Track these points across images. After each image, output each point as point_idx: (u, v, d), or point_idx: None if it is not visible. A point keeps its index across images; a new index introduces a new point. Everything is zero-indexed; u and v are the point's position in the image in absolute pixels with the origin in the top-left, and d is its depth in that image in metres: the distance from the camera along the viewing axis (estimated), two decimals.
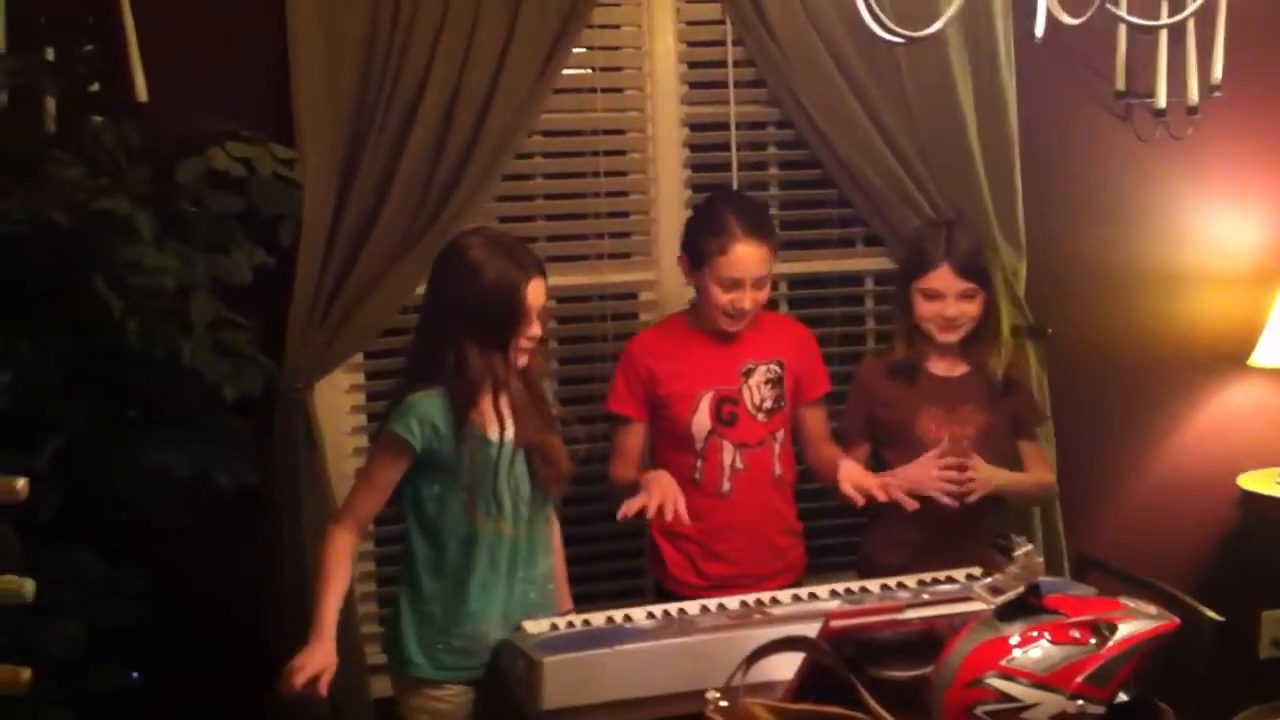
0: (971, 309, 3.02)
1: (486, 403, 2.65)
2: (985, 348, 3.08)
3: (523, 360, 2.68)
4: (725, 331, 2.99)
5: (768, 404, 3.02)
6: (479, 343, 2.60)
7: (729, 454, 3.00)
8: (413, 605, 2.69)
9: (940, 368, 3.09)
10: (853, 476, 2.87)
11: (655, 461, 3.08)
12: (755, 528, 3.02)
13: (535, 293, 2.64)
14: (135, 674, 2.86)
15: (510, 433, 2.66)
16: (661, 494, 2.76)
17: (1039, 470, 3.18)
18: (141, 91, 2.96)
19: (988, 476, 2.98)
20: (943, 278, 3.00)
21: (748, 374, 3.01)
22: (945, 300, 3.01)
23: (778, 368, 3.04)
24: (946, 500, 2.95)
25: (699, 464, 2.99)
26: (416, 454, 2.60)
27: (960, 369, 3.09)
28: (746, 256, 2.90)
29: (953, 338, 3.04)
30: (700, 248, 2.95)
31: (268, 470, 3.01)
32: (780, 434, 3.05)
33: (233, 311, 2.88)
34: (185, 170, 2.93)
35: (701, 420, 2.98)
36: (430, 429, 2.59)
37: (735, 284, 2.92)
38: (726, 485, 3.00)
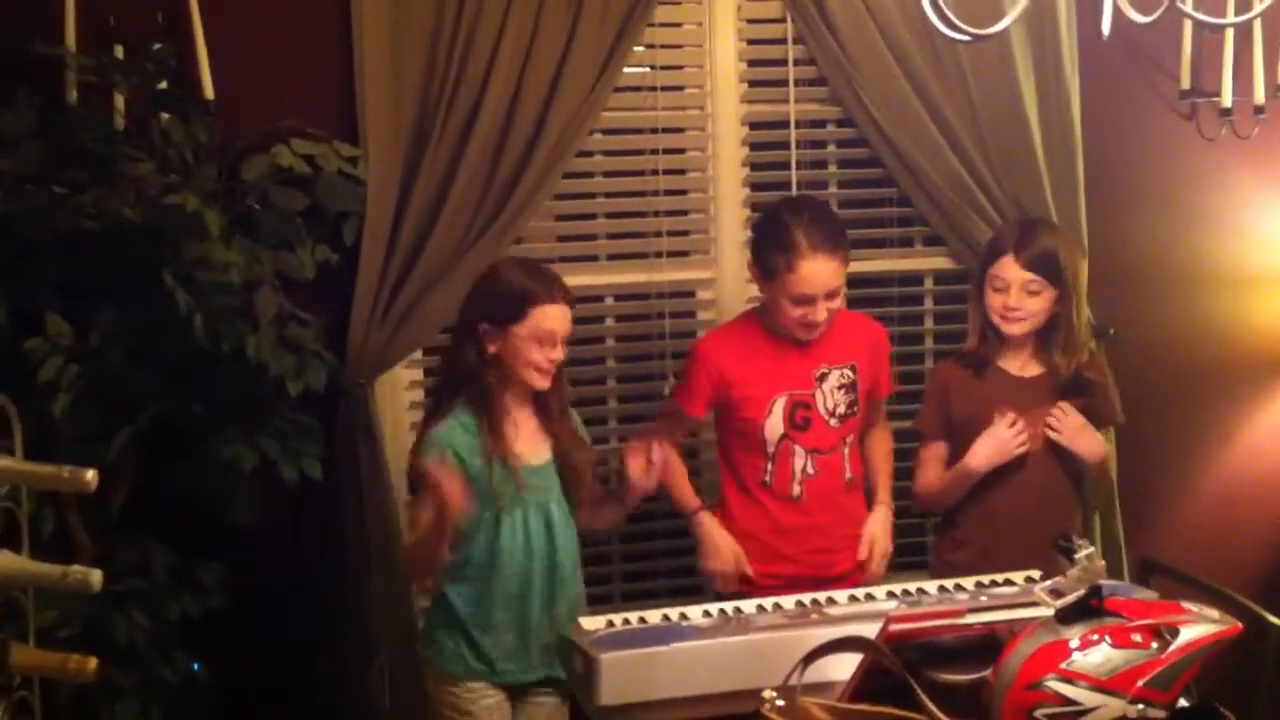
0: (1034, 304, 3.00)
1: (509, 424, 2.71)
2: (1057, 349, 3.06)
3: (544, 383, 2.71)
4: (797, 340, 2.97)
5: (841, 409, 3.00)
6: (498, 362, 2.68)
7: (800, 459, 2.98)
8: (443, 605, 2.78)
9: (1014, 366, 3.08)
10: (870, 539, 3.03)
11: (725, 462, 3.08)
12: (824, 531, 3.01)
13: (554, 316, 2.68)
14: (197, 665, 2.90)
15: (538, 454, 2.72)
16: (724, 568, 2.94)
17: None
18: (209, 89, 3.00)
19: (1077, 422, 3.01)
20: (1007, 267, 2.99)
21: (821, 379, 2.98)
22: (1009, 291, 3.00)
23: (851, 372, 3.01)
24: (1028, 446, 2.99)
25: (769, 467, 2.98)
26: None
27: (1034, 369, 3.08)
28: (817, 272, 2.85)
29: (1015, 330, 3.02)
30: (768, 263, 2.89)
31: (332, 465, 3.04)
32: (851, 438, 3.04)
33: (297, 307, 2.92)
34: (251, 167, 2.98)
35: (774, 424, 2.96)
36: (454, 457, 2.66)
37: (807, 300, 2.88)
38: (797, 489, 2.99)
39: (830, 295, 2.90)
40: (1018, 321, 3.01)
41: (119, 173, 2.73)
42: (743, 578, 2.97)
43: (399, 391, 3.28)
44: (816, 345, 2.99)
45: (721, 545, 2.98)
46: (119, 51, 2.92)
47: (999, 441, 2.99)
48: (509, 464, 2.69)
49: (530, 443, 2.76)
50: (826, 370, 2.99)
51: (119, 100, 2.92)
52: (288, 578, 3.08)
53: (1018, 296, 3.00)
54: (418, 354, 3.28)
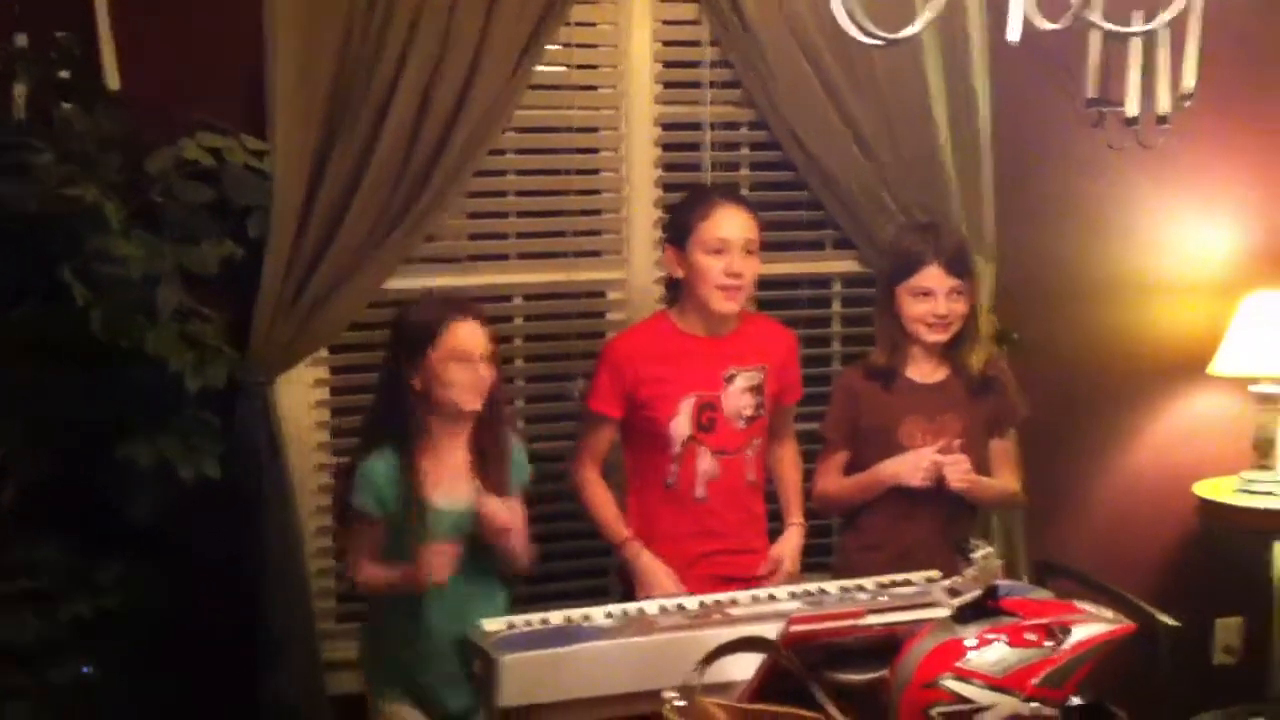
0: (960, 307, 3.04)
1: (433, 463, 2.70)
2: (965, 349, 3.09)
3: (474, 403, 2.70)
4: (714, 327, 2.98)
5: (748, 411, 3.01)
6: (424, 396, 2.68)
7: (705, 460, 2.98)
8: (370, 629, 2.85)
9: (920, 373, 3.10)
10: (775, 560, 3.05)
11: (630, 462, 3.08)
12: (726, 533, 3.01)
13: (466, 332, 2.69)
14: (87, 668, 2.84)
15: (454, 496, 2.71)
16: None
17: (1006, 474, 3.19)
18: (114, 80, 2.94)
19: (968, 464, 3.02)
20: (933, 276, 3.01)
21: (730, 380, 3.00)
22: (936, 299, 3.02)
23: (759, 375, 3.02)
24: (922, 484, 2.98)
25: (674, 468, 2.98)
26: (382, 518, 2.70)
27: (940, 374, 3.10)
28: (730, 216, 2.93)
29: (943, 336, 3.05)
30: (682, 222, 2.97)
31: (232, 464, 2.99)
32: (757, 441, 3.05)
33: (199, 303, 2.87)
34: (156, 160, 2.93)
35: (681, 425, 2.96)
36: (378, 498, 2.69)
37: (723, 246, 2.91)
38: (701, 491, 2.99)
39: (747, 248, 2.94)
40: (945, 328, 3.04)
41: (18, 163, 2.67)
42: None
43: (303, 389, 3.23)
44: (727, 346, 3.00)
45: (660, 574, 2.94)
46: (21, 40, 2.86)
47: (913, 466, 2.99)
48: (421, 504, 2.68)
49: (449, 486, 2.73)
50: (735, 372, 3.00)
51: (20, 90, 2.85)
52: (190, 578, 3.03)
53: (946, 304, 3.02)
54: (323, 352, 3.24)
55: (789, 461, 3.19)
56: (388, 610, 2.77)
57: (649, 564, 2.95)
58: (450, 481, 2.72)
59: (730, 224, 2.92)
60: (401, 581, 2.67)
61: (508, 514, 2.70)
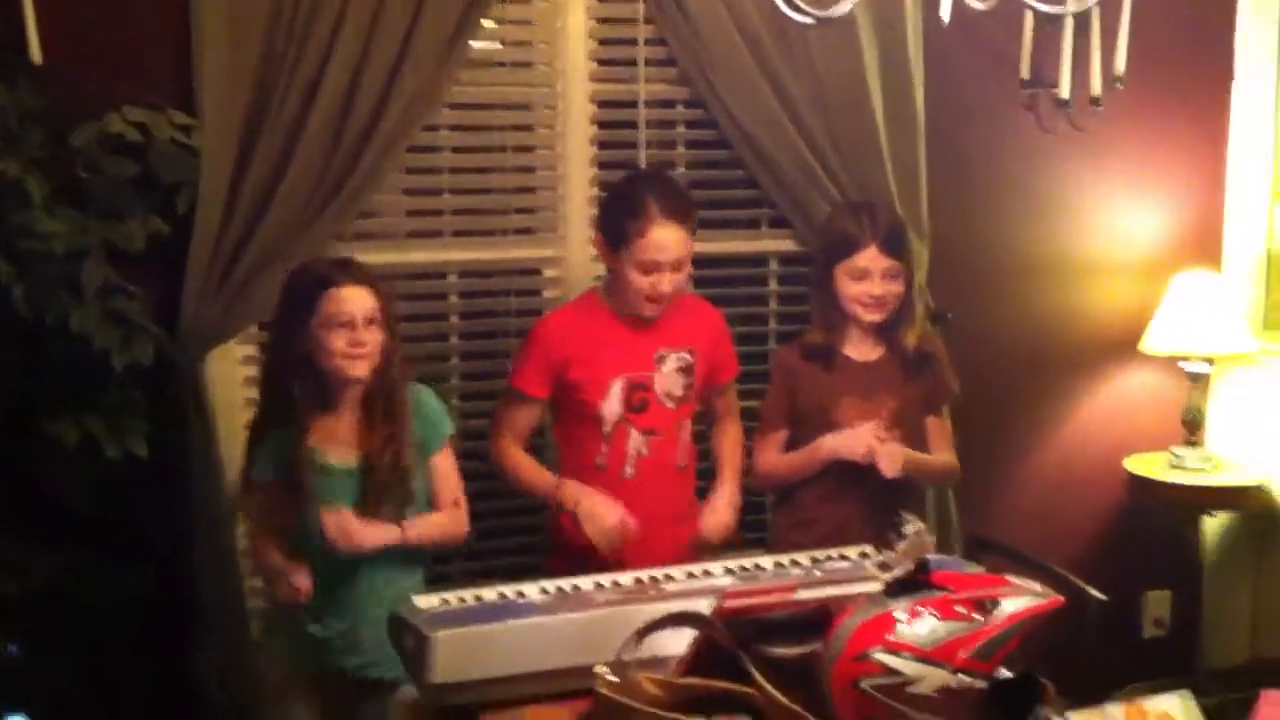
0: (896, 288, 3.04)
1: (330, 422, 2.67)
2: (901, 328, 3.10)
3: (357, 370, 2.64)
4: (641, 315, 2.97)
5: (677, 392, 3.01)
6: (312, 361, 2.63)
7: (635, 441, 2.98)
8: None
9: (857, 352, 3.10)
10: (710, 525, 3.01)
11: (561, 442, 3.07)
12: (656, 515, 2.97)
13: (347, 298, 2.62)
14: (13, 647, 2.80)
15: (350, 455, 2.68)
16: (613, 519, 2.85)
17: (943, 450, 3.20)
18: (37, 53, 2.88)
19: (899, 455, 3.00)
20: (870, 257, 3.01)
21: (660, 361, 2.99)
22: (872, 279, 3.02)
23: (689, 356, 3.02)
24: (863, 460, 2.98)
25: (604, 449, 2.97)
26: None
27: (876, 353, 3.11)
28: (665, 239, 2.87)
29: (879, 317, 3.05)
30: (618, 230, 2.90)
31: (161, 442, 2.95)
32: (687, 423, 3.05)
33: (126, 280, 2.83)
34: (80, 134, 2.88)
35: (612, 406, 2.95)
36: (276, 464, 2.64)
37: (654, 266, 2.88)
38: (630, 470, 2.99)
39: (676, 266, 2.91)
40: (881, 308, 3.05)
41: None
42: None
43: (232, 367, 3.19)
44: (656, 328, 2.99)
45: (602, 504, 2.87)
46: None
47: (854, 440, 2.99)
48: (311, 461, 2.65)
49: (338, 442, 2.69)
50: (665, 353, 3.00)
51: None
52: (118, 557, 2.99)
53: (882, 284, 3.03)
54: (253, 329, 3.19)
55: (730, 439, 3.18)
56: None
57: (590, 497, 2.89)
58: (344, 441, 2.68)
59: (664, 248, 2.87)
60: (276, 578, 2.66)
61: (361, 531, 2.64)
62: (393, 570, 2.72)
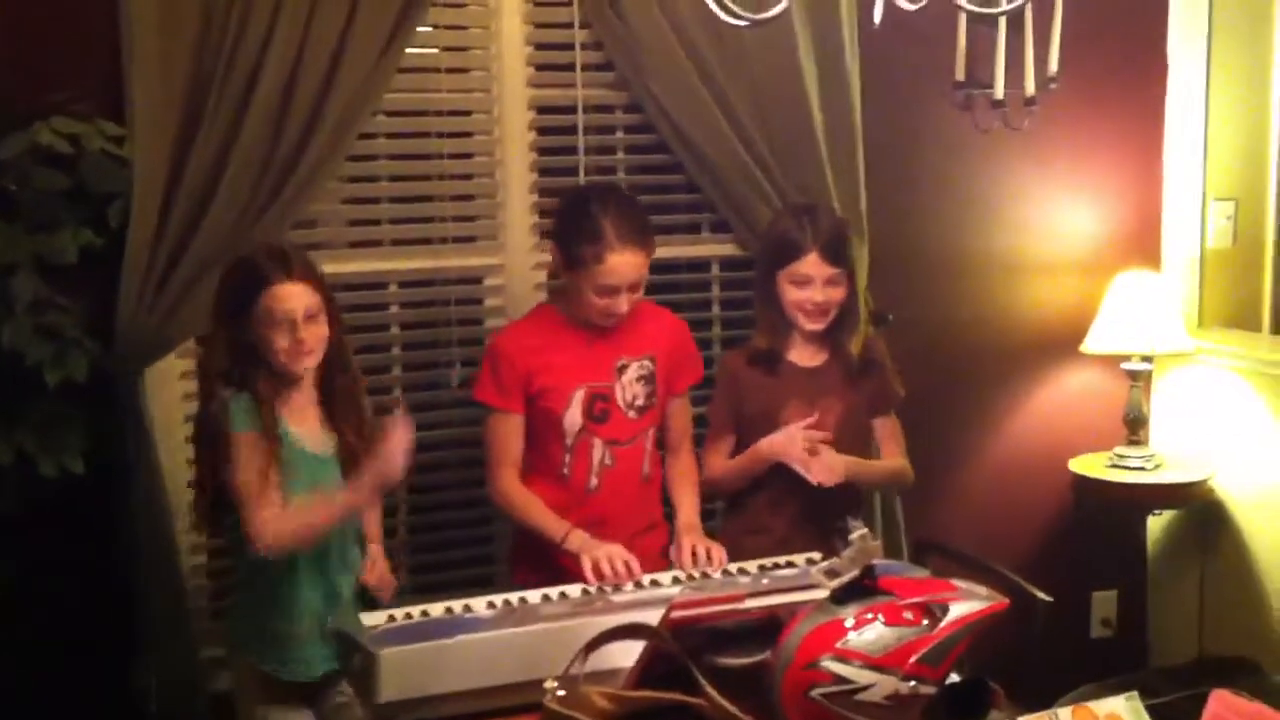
0: (838, 294, 3.03)
1: (286, 410, 2.62)
2: (845, 333, 3.09)
3: (298, 365, 2.61)
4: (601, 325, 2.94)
5: (639, 401, 2.98)
6: (253, 354, 2.58)
7: (599, 451, 2.95)
8: (240, 594, 2.72)
9: (802, 357, 3.10)
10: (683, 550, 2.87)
11: (524, 453, 3.00)
12: (620, 524, 2.93)
13: (286, 296, 2.56)
14: None
15: (325, 443, 2.66)
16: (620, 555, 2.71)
17: (894, 452, 3.18)
18: None
19: (837, 465, 2.98)
20: (811, 264, 2.99)
21: (621, 370, 2.96)
22: (813, 286, 3.01)
23: (650, 364, 2.99)
24: (802, 470, 2.95)
25: (568, 459, 2.94)
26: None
27: (820, 358, 3.10)
28: (622, 265, 2.82)
29: (820, 325, 3.04)
30: (574, 252, 2.85)
31: (98, 458, 2.89)
32: (651, 431, 3.02)
33: (58, 293, 2.78)
34: (8, 146, 2.82)
35: (573, 416, 2.92)
36: (254, 421, 2.57)
37: (611, 290, 2.85)
38: (594, 481, 2.96)
39: (633, 287, 2.88)
40: (823, 316, 3.04)
41: None
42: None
43: (170, 381, 3.13)
44: (616, 337, 2.96)
45: (604, 552, 2.72)
46: None
47: (787, 441, 2.97)
48: (287, 434, 2.60)
49: (313, 430, 2.67)
50: (626, 362, 2.97)
51: None
52: (54, 573, 2.94)
53: (824, 291, 3.02)
54: (191, 343, 3.14)
55: (683, 475, 3.09)
56: (259, 582, 2.67)
57: (595, 550, 2.74)
58: (312, 428, 2.66)
59: (621, 273, 2.83)
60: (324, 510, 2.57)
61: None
62: (337, 572, 2.69)
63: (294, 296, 2.57)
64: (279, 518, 2.55)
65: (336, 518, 2.61)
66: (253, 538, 2.54)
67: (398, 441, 2.54)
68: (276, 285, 2.56)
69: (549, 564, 2.82)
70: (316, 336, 2.61)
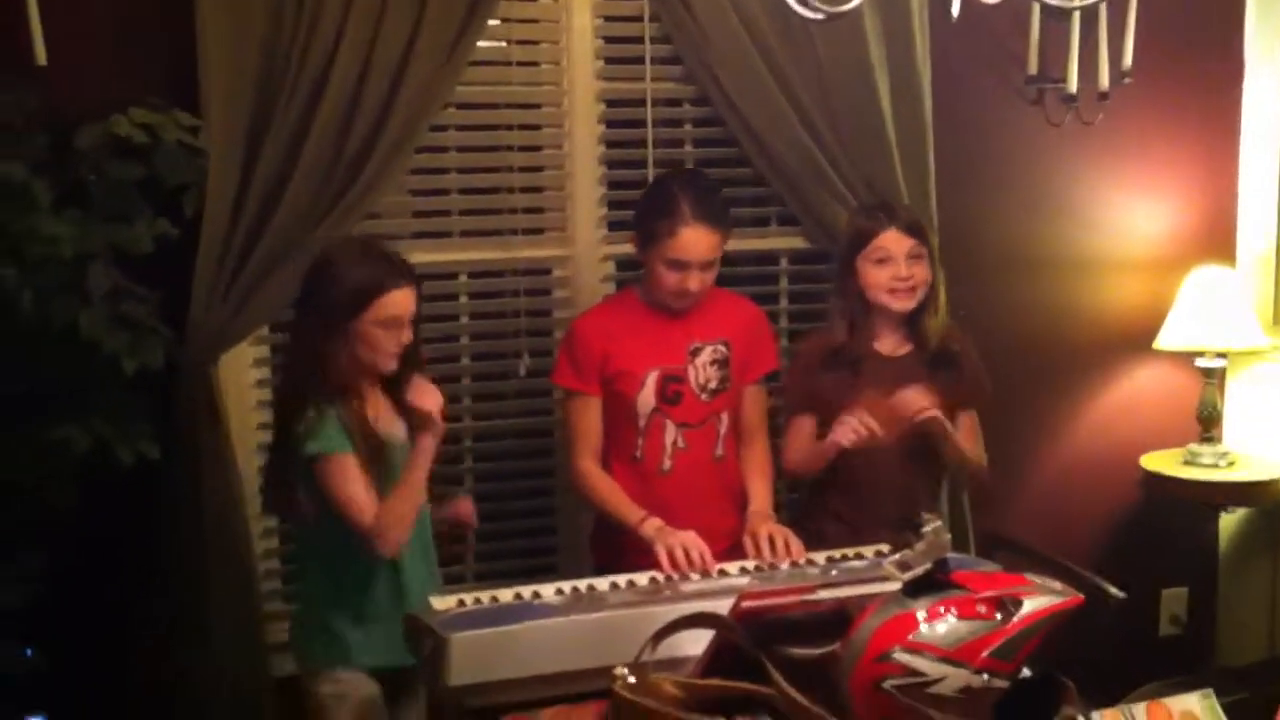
0: (921, 271, 3.02)
1: (367, 409, 2.66)
2: (927, 322, 3.07)
3: (392, 366, 2.65)
4: (671, 307, 2.96)
5: (712, 384, 2.99)
6: (346, 348, 2.61)
7: (671, 433, 2.97)
8: (318, 591, 2.73)
9: (886, 346, 3.08)
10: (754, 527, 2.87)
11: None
12: (694, 507, 2.93)
13: (399, 302, 2.62)
14: (29, 650, 2.78)
15: (396, 430, 2.68)
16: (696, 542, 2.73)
17: (972, 447, 3.15)
18: (41, 55, 2.85)
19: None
20: (891, 239, 3.00)
21: (694, 353, 2.98)
22: (896, 262, 3.00)
23: (724, 348, 3.00)
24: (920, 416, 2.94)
25: (640, 441, 2.96)
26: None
27: (904, 348, 3.09)
28: (694, 240, 2.87)
29: (909, 303, 3.02)
30: (649, 228, 2.91)
31: (170, 447, 2.93)
32: (724, 415, 3.02)
33: (133, 283, 2.81)
34: (85, 137, 2.85)
35: (646, 398, 2.95)
36: (345, 435, 2.60)
37: (681, 265, 2.88)
38: (667, 463, 2.97)
39: (705, 266, 2.91)
40: (908, 292, 3.02)
41: None
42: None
43: (244, 370, 3.18)
44: (690, 321, 2.98)
45: (678, 540, 2.74)
46: None
47: (843, 426, 2.94)
48: (377, 444, 2.63)
49: (389, 422, 2.70)
50: (699, 345, 2.99)
51: None
52: (127, 564, 2.98)
53: (907, 266, 3.00)
54: (264, 331, 3.18)
55: (756, 464, 3.08)
56: (331, 582, 2.70)
57: (670, 537, 2.76)
58: (386, 420, 2.69)
59: (693, 248, 2.87)
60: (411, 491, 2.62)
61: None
62: (418, 566, 2.71)
63: (406, 302, 2.64)
64: (387, 517, 2.59)
65: (420, 488, 2.64)
66: (377, 546, 2.59)
67: (423, 391, 2.63)
68: (394, 290, 2.61)
69: (625, 549, 2.83)
70: (410, 338, 2.67)
